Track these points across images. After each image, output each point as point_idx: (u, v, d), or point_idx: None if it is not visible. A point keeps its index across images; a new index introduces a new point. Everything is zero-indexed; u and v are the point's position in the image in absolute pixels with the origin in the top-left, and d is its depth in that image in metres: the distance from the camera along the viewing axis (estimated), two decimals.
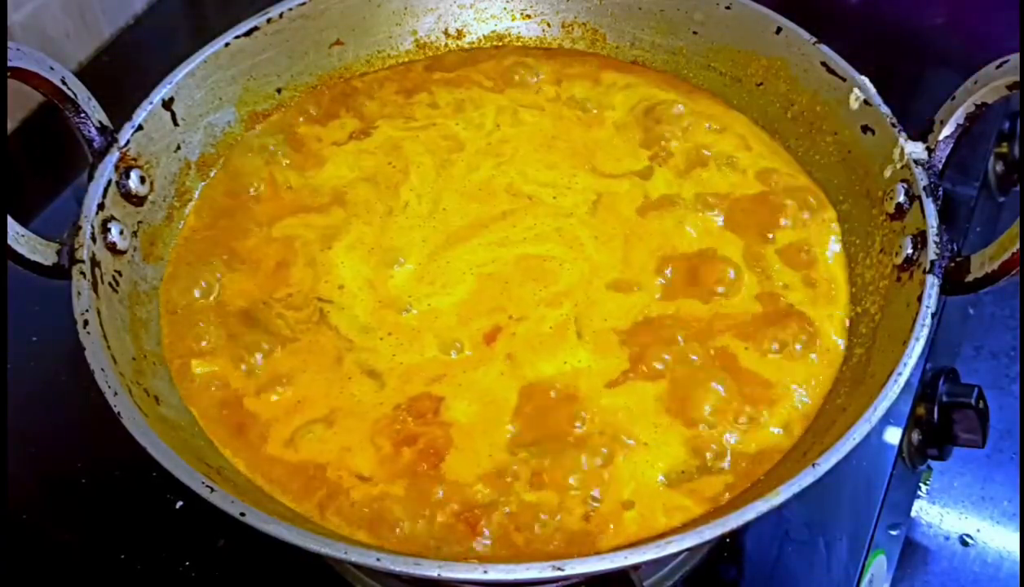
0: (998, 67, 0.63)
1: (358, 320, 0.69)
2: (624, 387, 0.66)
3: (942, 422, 0.83)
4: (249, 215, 0.76)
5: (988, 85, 0.64)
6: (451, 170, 0.79)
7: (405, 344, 0.68)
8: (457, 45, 0.89)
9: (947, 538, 0.92)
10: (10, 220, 0.63)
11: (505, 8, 0.89)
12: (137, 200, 0.72)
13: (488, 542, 0.59)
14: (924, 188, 0.67)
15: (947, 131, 0.67)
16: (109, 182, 0.69)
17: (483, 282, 0.72)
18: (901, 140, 0.69)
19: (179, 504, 0.74)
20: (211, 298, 0.71)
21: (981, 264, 0.62)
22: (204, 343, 0.68)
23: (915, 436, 0.83)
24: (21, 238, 0.64)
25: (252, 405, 0.66)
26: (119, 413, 0.58)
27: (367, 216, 0.76)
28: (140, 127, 0.72)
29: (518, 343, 0.68)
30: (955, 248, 0.65)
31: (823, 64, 0.76)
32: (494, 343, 0.68)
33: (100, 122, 0.70)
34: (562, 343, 0.68)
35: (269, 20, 0.80)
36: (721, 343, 0.68)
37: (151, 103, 0.74)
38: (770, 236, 0.74)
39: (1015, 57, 0.62)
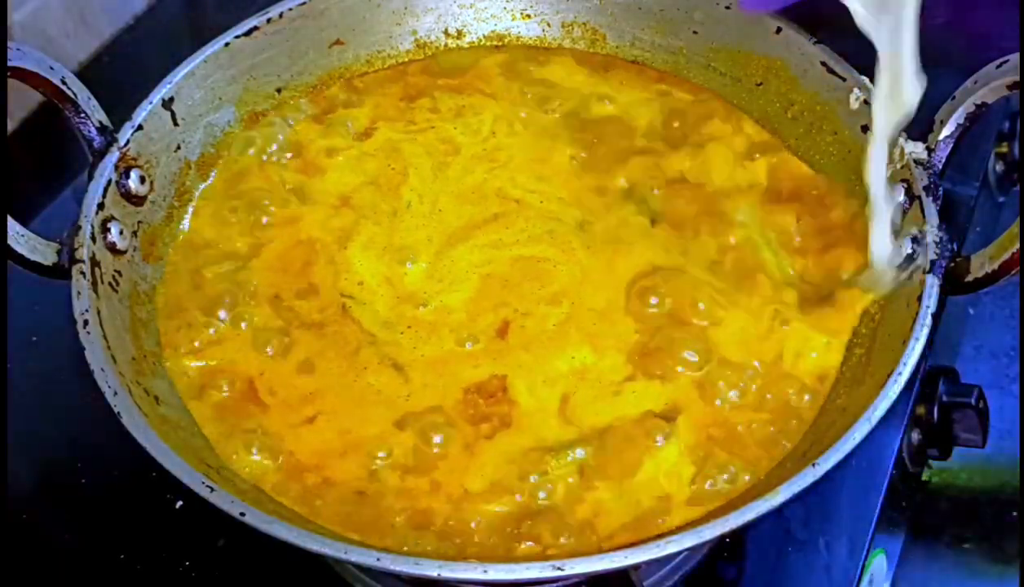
0: (998, 67, 0.63)
1: (379, 315, 0.70)
2: (630, 387, 0.67)
3: (942, 422, 0.83)
4: (248, 215, 0.76)
5: (988, 85, 0.64)
6: (447, 172, 0.79)
7: (424, 337, 0.69)
8: (457, 45, 0.89)
9: (947, 538, 0.92)
10: (10, 220, 0.63)
11: (505, 8, 0.89)
12: (137, 200, 0.72)
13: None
14: (924, 188, 0.67)
15: (947, 131, 0.67)
16: (109, 182, 0.69)
17: (484, 281, 0.72)
18: (901, 140, 0.69)
19: (179, 504, 0.74)
20: (212, 298, 0.71)
21: (981, 264, 0.62)
22: (201, 343, 0.69)
23: (915, 436, 0.83)
24: (21, 238, 0.64)
25: (263, 402, 0.66)
26: (119, 413, 0.58)
27: (375, 216, 0.76)
28: (140, 127, 0.72)
29: (528, 336, 0.69)
30: (955, 248, 0.65)
31: (823, 64, 0.76)
32: (506, 336, 0.69)
33: (100, 122, 0.70)
34: (567, 340, 0.69)
35: (269, 20, 0.80)
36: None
37: (151, 103, 0.74)
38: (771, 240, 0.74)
39: (1015, 57, 0.62)
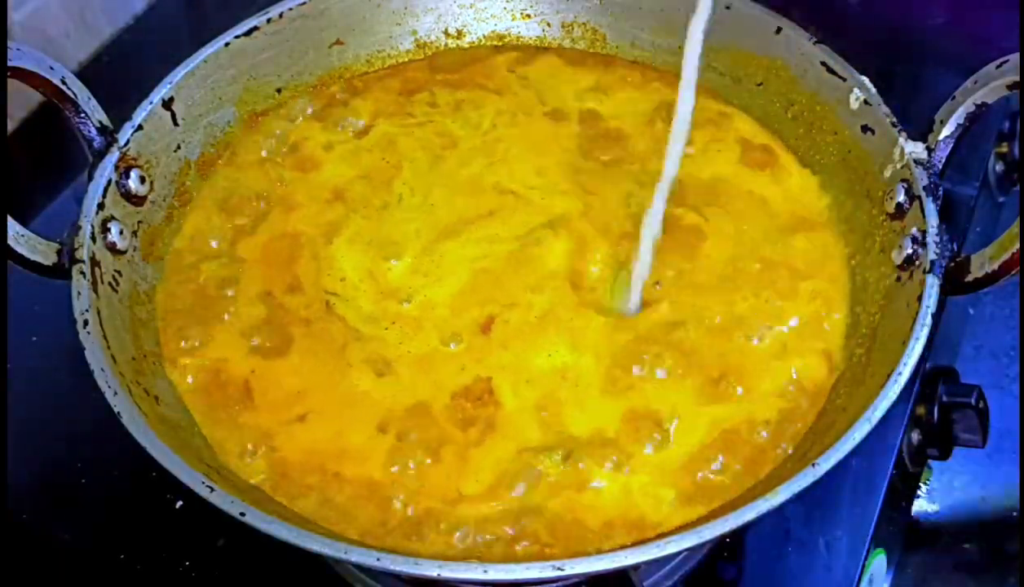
0: (998, 67, 0.63)
1: (363, 311, 0.70)
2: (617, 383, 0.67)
3: (942, 422, 0.83)
4: (246, 213, 0.76)
5: (988, 85, 0.64)
6: (442, 166, 0.79)
7: (410, 334, 0.69)
8: (457, 45, 0.89)
9: (947, 538, 0.92)
10: (10, 220, 0.63)
11: (505, 8, 0.89)
12: (137, 200, 0.72)
13: None
14: (924, 188, 0.67)
15: (947, 131, 0.67)
16: (109, 182, 0.69)
17: (476, 276, 0.72)
18: (901, 140, 0.69)
19: (179, 504, 0.74)
20: (210, 297, 0.71)
21: (981, 264, 0.62)
22: (197, 341, 0.69)
23: (915, 436, 0.83)
24: (21, 238, 0.64)
25: (257, 403, 0.66)
26: (119, 413, 0.58)
27: (364, 211, 0.76)
28: (140, 127, 0.72)
29: (511, 331, 0.69)
30: (955, 248, 0.65)
31: (823, 64, 0.76)
32: (490, 332, 0.69)
33: (100, 122, 0.70)
34: (545, 334, 0.69)
35: (269, 20, 0.80)
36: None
37: (151, 103, 0.74)
38: (770, 236, 0.74)
39: (1015, 57, 0.62)
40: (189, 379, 0.67)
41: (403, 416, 0.65)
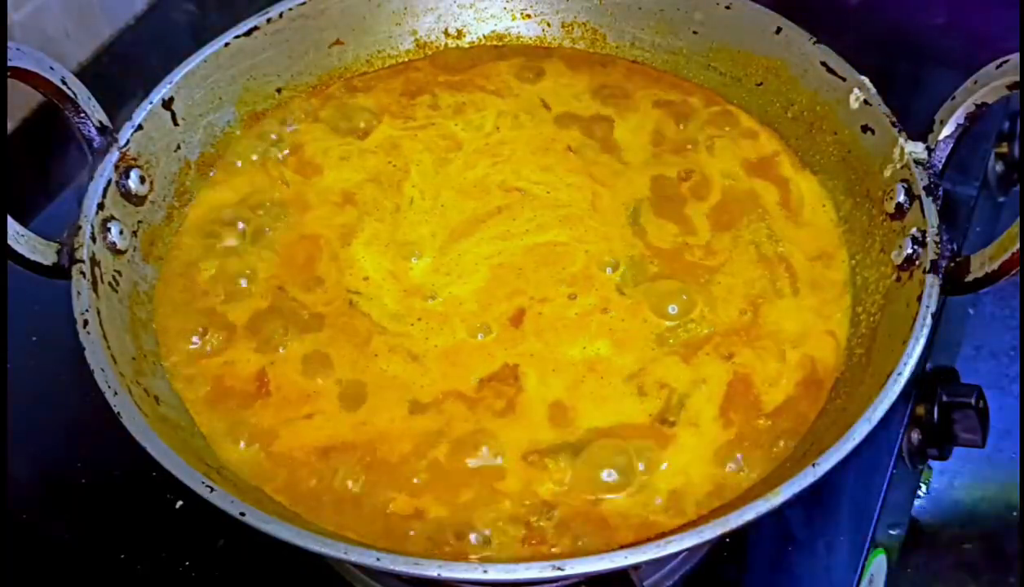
0: (998, 67, 0.63)
1: (388, 308, 0.71)
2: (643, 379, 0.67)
3: (942, 422, 0.83)
4: (249, 213, 0.76)
5: (988, 85, 0.64)
6: (448, 168, 0.79)
7: (436, 328, 0.69)
8: (457, 45, 0.89)
9: (947, 538, 0.92)
10: (10, 220, 0.63)
11: (505, 8, 0.89)
12: (137, 200, 0.72)
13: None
14: (924, 188, 0.67)
15: (947, 131, 0.67)
16: (109, 182, 0.69)
17: (496, 272, 0.72)
18: (901, 140, 0.69)
19: (179, 504, 0.73)
20: (211, 297, 0.71)
21: (981, 264, 0.62)
22: (199, 340, 0.69)
23: (915, 436, 0.83)
24: (21, 238, 0.64)
25: (263, 399, 0.66)
26: (119, 413, 0.58)
27: (378, 213, 0.76)
28: (140, 127, 0.72)
29: (545, 323, 0.69)
30: (955, 248, 0.65)
31: (823, 64, 0.76)
32: (521, 325, 0.69)
33: (100, 122, 0.70)
34: (584, 329, 0.69)
35: (269, 20, 0.80)
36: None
37: (151, 103, 0.74)
38: (772, 235, 0.74)
39: (1015, 57, 0.62)
40: (190, 379, 0.67)
41: (430, 402, 0.65)
